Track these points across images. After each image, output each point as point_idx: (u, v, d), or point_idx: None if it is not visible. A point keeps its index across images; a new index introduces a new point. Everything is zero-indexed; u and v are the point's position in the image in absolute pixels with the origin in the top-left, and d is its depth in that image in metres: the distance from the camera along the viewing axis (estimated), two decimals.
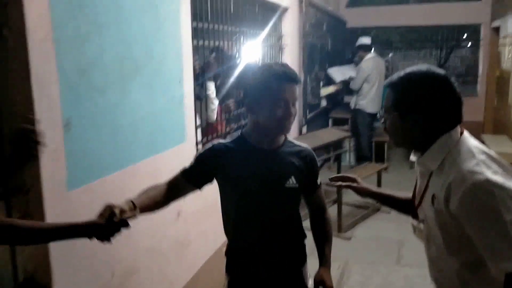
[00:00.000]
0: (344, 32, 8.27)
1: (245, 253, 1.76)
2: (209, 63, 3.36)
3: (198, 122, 3.09)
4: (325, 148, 5.03)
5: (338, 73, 6.76)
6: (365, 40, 6.30)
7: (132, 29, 2.15)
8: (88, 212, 1.93)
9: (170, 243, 2.57)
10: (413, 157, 1.52)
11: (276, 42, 5.19)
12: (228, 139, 1.77)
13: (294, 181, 1.70)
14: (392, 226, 4.33)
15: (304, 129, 5.79)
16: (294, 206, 1.79)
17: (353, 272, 3.61)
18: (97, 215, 1.37)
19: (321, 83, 6.84)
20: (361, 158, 6.20)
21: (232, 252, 1.80)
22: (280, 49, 5.27)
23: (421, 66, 1.44)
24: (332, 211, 4.48)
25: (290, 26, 5.29)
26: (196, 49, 3.01)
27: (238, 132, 1.78)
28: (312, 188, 1.83)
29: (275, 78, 1.60)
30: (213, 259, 3.04)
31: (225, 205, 1.78)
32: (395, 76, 1.47)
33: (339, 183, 1.83)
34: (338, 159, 5.70)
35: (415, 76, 1.41)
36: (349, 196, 4.96)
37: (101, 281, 1.99)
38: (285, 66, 1.67)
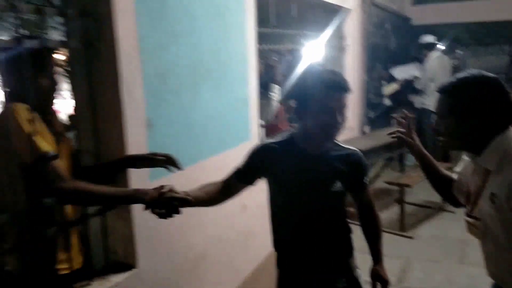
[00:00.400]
0: (409, 30, 8.13)
1: (291, 249, 1.83)
2: (272, 66, 3.53)
3: (262, 122, 3.27)
4: (387, 147, 5.03)
5: (401, 72, 6.69)
6: (428, 38, 6.20)
7: (202, 37, 2.37)
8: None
9: (236, 234, 2.78)
10: (466, 157, 1.59)
11: (338, 43, 5.28)
12: (277, 140, 1.79)
13: (340, 185, 1.73)
14: (456, 225, 4.25)
15: (366, 129, 5.82)
16: (339, 208, 1.83)
17: (414, 269, 3.64)
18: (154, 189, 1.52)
19: (384, 83, 6.81)
20: None
21: (279, 247, 1.87)
22: (342, 49, 5.35)
23: (473, 71, 1.49)
24: (395, 210, 4.53)
25: (352, 27, 5.35)
26: (260, 53, 3.20)
27: (287, 133, 1.81)
28: (359, 187, 1.85)
29: (324, 86, 1.61)
30: None
31: (271, 203, 1.85)
32: (447, 82, 1.51)
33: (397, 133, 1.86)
34: (401, 158, 5.67)
35: (469, 81, 1.46)
36: (413, 196, 4.94)
37: (176, 264, 2.22)
38: (336, 74, 1.68)
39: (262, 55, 3.38)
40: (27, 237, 1.51)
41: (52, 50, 1.69)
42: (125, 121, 1.84)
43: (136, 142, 1.89)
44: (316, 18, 4.46)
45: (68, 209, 1.69)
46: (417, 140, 1.83)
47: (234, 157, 2.67)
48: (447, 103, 1.49)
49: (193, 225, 2.34)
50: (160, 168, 1.81)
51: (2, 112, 1.52)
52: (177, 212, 1.53)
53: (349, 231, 1.88)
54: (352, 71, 5.45)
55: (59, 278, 1.60)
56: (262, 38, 3.22)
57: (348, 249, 1.88)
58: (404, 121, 1.85)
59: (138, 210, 1.93)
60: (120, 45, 1.80)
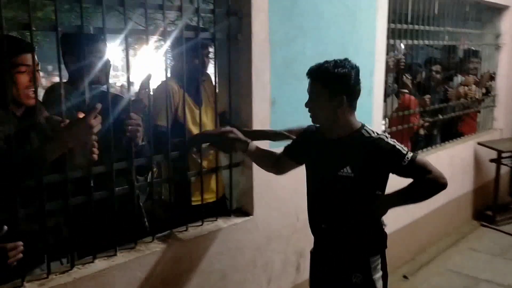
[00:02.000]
0: None
1: (315, 233, 1.95)
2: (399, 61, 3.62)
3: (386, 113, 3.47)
4: None
5: None
6: None
7: (330, 32, 2.73)
8: None
9: None
10: None
11: (492, 40, 5.06)
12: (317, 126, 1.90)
13: (349, 171, 1.72)
14: None
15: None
16: (350, 194, 1.76)
17: None
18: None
19: None
20: None
21: (311, 229, 1.98)
22: (497, 48, 5.12)
23: None
24: None
25: (510, 24, 5.06)
26: (392, 48, 3.40)
27: None
28: (399, 169, 1.72)
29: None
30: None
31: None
32: None
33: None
34: None
35: None
36: None
37: (288, 221, 2.64)
38: (320, 63, 1.82)
39: (398, 49, 3.56)
40: (174, 175, 2.10)
41: (205, 40, 2.26)
42: (253, 98, 2.32)
43: (261, 116, 2.36)
44: (464, 15, 4.40)
45: (205, 161, 2.25)
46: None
47: None
48: None
49: (305, 193, 2.72)
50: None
51: (162, 83, 2.19)
52: (234, 150, 1.93)
53: (371, 225, 1.82)
54: (508, 70, 5.17)
55: (194, 208, 2.19)
56: (399, 33, 3.42)
57: (368, 244, 1.83)
58: None
59: (257, 169, 2.40)
60: (254, 38, 2.28)
